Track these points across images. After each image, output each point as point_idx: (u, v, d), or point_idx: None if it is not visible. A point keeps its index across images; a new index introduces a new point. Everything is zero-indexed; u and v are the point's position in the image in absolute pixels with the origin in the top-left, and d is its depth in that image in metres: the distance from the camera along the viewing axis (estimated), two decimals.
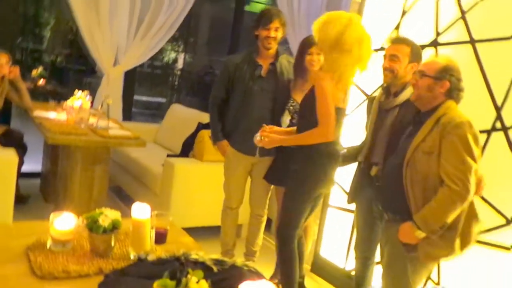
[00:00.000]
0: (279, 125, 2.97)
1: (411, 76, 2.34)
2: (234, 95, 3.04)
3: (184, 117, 4.70)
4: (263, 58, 3.00)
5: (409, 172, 2.08)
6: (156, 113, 7.30)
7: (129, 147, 3.93)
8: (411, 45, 2.44)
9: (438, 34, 2.89)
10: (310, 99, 2.47)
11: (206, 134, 3.78)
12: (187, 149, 4.01)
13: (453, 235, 2.04)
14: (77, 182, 3.44)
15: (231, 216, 3.22)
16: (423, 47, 2.74)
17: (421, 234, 2.04)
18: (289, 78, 3.04)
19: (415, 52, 2.43)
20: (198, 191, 3.74)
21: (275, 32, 2.89)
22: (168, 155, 3.95)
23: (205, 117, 4.23)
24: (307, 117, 2.49)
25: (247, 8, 6.37)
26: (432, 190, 2.02)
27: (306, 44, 2.88)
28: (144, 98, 7.47)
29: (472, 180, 1.98)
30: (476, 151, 1.99)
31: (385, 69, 2.45)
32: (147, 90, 7.68)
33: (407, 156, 2.09)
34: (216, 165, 3.77)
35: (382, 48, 2.58)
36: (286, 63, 3.05)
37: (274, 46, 2.94)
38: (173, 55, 8.06)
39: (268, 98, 2.99)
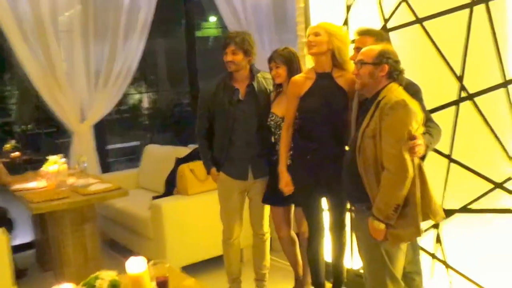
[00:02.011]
0: (269, 145, 2.98)
1: None
2: (217, 123, 3.03)
3: (160, 155, 4.66)
4: (238, 81, 2.99)
5: (361, 159, 2.12)
6: (132, 158, 7.22)
7: (113, 199, 3.86)
8: (375, 34, 2.48)
9: (385, 20, 2.95)
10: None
11: (185, 168, 3.77)
12: (171, 186, 3.98)
13: (411, 211, 2.07)
14: (70, 245, 3.38)
15: (233, 246, 3.17)
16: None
17: (381, 225, 2.08)
18: (269, 92, 3.02)
19: (380, 40, 2.44)
20: (191, 226, 3.69)
21: (232, 55, 2.89)
22: (154, 197, 3.91)
23: (181, 152, 4.22)
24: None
25: (199, 34, 6.38)
26: (382, 173, 2.07)
27: (268, 60, 2.91)
28: (118, 146, 7.38)
29: (408, 156, 2.03)
30: (414, 125, 2.03)
31: (355, 62, 2.46)
32: (119, 137, 7.60)
33: (357, 144, 2.14)
34: (202, 196, 3.78)
35: (352, 41, 2.61)
36: (263, 80, 3.03)
37: (235, 69, 2.93)
38: (137, 96, 8.01)
39: (252, 120, 2.98)
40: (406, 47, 2.79)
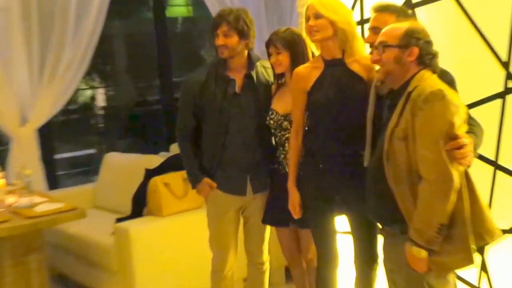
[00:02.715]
0: (271, 149, 3.04)
1: None
2: (207, 122, 3.06)
3: (125, 166, 4.66)
4: (233, 70, 3.02)
5: (390, 167, 2.14)
6: (87, 170, 7.12)
7: (66, 222, 3.83)
8: (396, 11, 2.49)
9: None
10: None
11: (158, 181, 3.78)
12: (139, 206, 3.98)
13: (458, 231, 2.07)
14: (11, 283, 3.34)
15: (226, 280, 3.16)
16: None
17: (422, 252, 2.07)
18: (270, 85, 3.08)
19: (404, 18, 2.42)
20: (167, 255, 3.69)
21: (224, 38, 2.92)
22: (117, 219, 3.90)
23: (151, 161, 4.24)
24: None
25: (168, 14, 6.35)
26: (419, 184, 2.09)
27: (266, 45, 2.96)
28: (68, 155, 7.26)
29: (450, 160, 2.04)
30: (457, 121, 2.05)
31: (370, 45, 2.48)
32: (68, 144, 7.49)
33: (385, 148, 2.15)
34: (181, 217, 3.77)
35: (366, 21, 2.65)
36: (263, 70, 3.08)
37: (229, 55, 2.96)
38: (89, 92, 7.91)
39: (251, 118, 3.02)
40: (436, 28, 2.79)
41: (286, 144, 2.93)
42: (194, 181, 3.11)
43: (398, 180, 2.12)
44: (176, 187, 3.76)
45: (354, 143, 2.62)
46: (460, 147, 2.05)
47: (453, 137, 2.04)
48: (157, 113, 6.57)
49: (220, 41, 2.92)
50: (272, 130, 2.99)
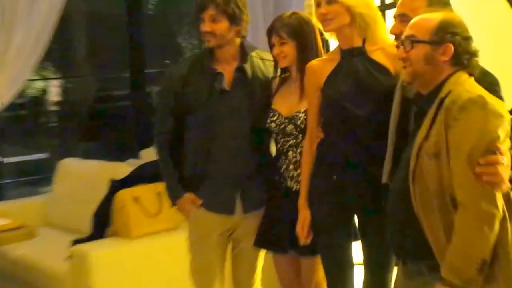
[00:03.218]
0: (268, 160, 3.04)
1: None
2: (189, 126, 3.06)
3: (84, 175, 4.62)
4: (222, 62, 3.03)
5: (418, 190, 2.12)
6: (38, 179, 7.03)
7: (12, 244, 3.78)
8: None
9: None
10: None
11: (127, 195, 3.76)
12: (102, 225, 3.94)
13: (502, 269, 2.05)
14: None
15: None
16: None
17: None
18: (270, 80, 3.09)
19: (435, 5, 2.39)
20: (136, 285, 3.65)
21: (211, 24, 2.91)
22: (75, 241, 3.84)
23: (118, 170, 4.21)
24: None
25: None
26: (453, 212, 2.06)
27: (268, 33, 2.95)
28: (14, 159, 7.16)
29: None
30: (501, 135, 2.01)
31: (395, 37, 2.48)
32: (14, 146, 7.39)
33: (411, 166, 2.13)
34: (154, 240, 3.74)
35: (388, 6, 2.60)
36: (260, 62, 3.08)
37: (217, 44, 2.96)
38: (40, 84, 7.82)
39: (243, 121, 3.01)
40: (475, 18, 2.75)
41: (290, 152, 2.92)
42: (174, 196, 3.11)
43: (427, 207, 2.09)
44: (149, 203, 3.75)
45: (379, 151, 2.54)
46: (493, 164, 2.00)
47: (493, 151, 2.00)
48: (126, 111, 6.55)
49: (206, 27, 2.91)
50: (274, 135, 2.99)
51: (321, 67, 2.72)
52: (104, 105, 7.76)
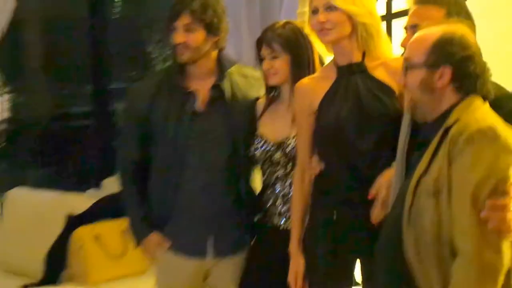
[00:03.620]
0: (250, 195, 3.05)
1: None
2: (156, 154, 3.04)
3: (36, 209, 4.52)
4: (195, 79, 3.01)
5: (412, 233, 2.12)
6: None
7: None
8: (447, 4, 2.44)
9: None
10: None
11: (86, 234, 3.80)
12: (56, 268, 3.94)
13: None
14: None
15: None
16: None
17: None
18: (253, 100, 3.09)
19: (456, 16, 2.39)
20: None
21: (186, 34, 2.88)
22: (24, 287, 3.91)
23: (76, 202, 4.23)
24: None
25: None
26: (453, 262, 2.06)
27: (257, 44, 2.95)
28: None
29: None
30: (511, 176, 2.01)
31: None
32: None
33: (407, 204, 2.14)
34: (119, 285, 3.76)
35: (394, 15, 2.72)
36: (240, 80, 3.07)
37: (191, 58, 2.94)
38: None
39: (219, 149, 3.00)
40: (501, 28, 2.85)
41: (278, 185, 2.90)
42: (138, 235, 3.09)
43: (422, 253, 2.09)
44: (112, 242, 3.78)
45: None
46: (502, 208, 1.99)
47: (502, 193, 1.99)
48: (87, 132, 6.49)
49: (179, 37, 2.89)
50: (260, 166, 2.98)
51: (313, 87, 2.69)
52: (61, 124, 7.69)
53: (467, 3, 2.67)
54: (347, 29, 2.59)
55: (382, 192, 2.51)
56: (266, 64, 2.87)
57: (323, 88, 2.66)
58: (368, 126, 2.58)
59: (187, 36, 2.88)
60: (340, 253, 2.66)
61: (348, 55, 2.64)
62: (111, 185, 4.27)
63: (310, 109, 2.68)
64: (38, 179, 6.87)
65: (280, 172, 2.88)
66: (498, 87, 2.28)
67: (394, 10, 3.28)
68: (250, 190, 3.06)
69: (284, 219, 2.86)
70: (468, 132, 2.01)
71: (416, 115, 2.25)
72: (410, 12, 2.52)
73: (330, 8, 2.56)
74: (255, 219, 2.99)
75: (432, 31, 2.15)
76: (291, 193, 2.83)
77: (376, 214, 2.53)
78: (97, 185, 4.70)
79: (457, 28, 2.15)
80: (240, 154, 2.99)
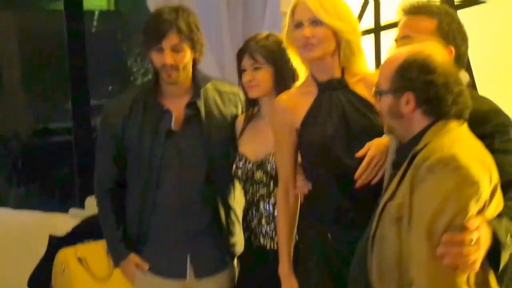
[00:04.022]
0: (228, 214, 3.03)
1: None
2: (132, 174, 3.03)
3: (17, 230, 4.57)
4: (170, 96, 2.98)
5: (375, 257, 2.12)
6: None
7: None
8: (439, 15, 2.40)
9: None
10: None
11: (70, 255, 3.69)
12: None
13: None
14: None
15: None
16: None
17: None
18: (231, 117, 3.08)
19: (446, 28, 2.38)
20: None
21: (174, 54, 2.85)
22: None
23: (58, 222, 4.23)
24: None
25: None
26: None
27: (238, 55, 2.92)
28: None
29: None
30: (472, 208, 1.95)
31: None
32: None
33: (371, 229, 2.14)
34: None
35: (383, 27, 2.73)
36: (216, 96, 3.04)
37: (180, 79, 2.91)
38: None
39: (194, 169, 2.99)
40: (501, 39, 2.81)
41: (261, 204, 2.87)
42: (116, 257, 3.09)
43: (384, 279, 2.07)
44: (97, 264, 3.68)
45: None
46: (459, 243, 1.93)
47: (461, 228, 1.93)
48: (67, 148, 6.40)
49: (169, 59, 2.84)
50: (241, 184, 2.97)
51: (293, 103, 2.65)
52: (41, 140, 7.64)
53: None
54: (332, 45, 2.56)
55: (372, 151, 2.46)
56: (247, 76, 2.84)
57: (304, 105, 2.64)
58: (355, 142, 2.54)
59: (175, 57, 2.85)
60: (336, 275, 2.59)
61: (329, 71, 2.61)
62: (94, 203, 4.23)
63: (291, 126, 2.65)
64: (17, 199, 6.85)
65: (262, 191, 2.86)
66: (487, 102, 2.28)
67: (383, 22, 3.27)
68: (229, 209, 3.04)
69: (271, 240, 2.84)
70: (430, 160, 1.98)
71: (395, 138, 2.25)
72: (400, 24, 2.49)
73: (316, 22, 2.52)
74: (244, 237, 2.95)
75: (397, 55, 2.13)
76: (275, 212, 2.81)
77: (359, 172, 2.45)
78: (79, 203, 4.66)
79: (423, 48, 2.12)
80: (217, 173, 2.97)
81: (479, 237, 1.94)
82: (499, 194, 2.03)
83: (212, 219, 3.02)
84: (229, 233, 3.02)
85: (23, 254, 4.20)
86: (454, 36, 2.40)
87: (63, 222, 4.10)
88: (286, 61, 2.81)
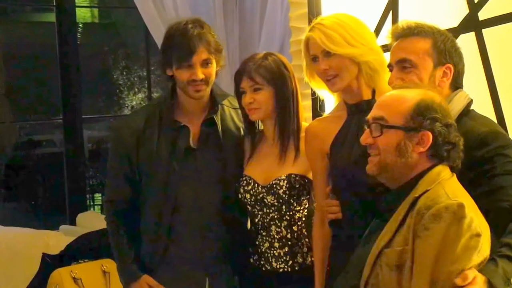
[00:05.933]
0: (244, 237, 2.96)
1: (445, 89, 2.39)
2: (147, 193, 2.97)
3: (7, 249, 4.46)
4: (188, 113, 2.95)
5: None
6: None
7: None
8: (432, 35, 2.41)
9: (475, 5, 2.91)
10: None
11: (64, 274, 3.70)
12: None
13: None
14: None
15: None
16: (454, 33, 2.73)
17: None
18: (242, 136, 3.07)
19: (442, 46, 2.38)
20: None
21: (206, 69, 2.82)
22: None
23: (50, 240, 4.20)
24: None
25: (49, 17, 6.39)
26: None
27: (236, 77, 2.87)
28: None
29: None
30: (475, 259, 1.96)
31: (393, 87, 2.41)
32: None
33: (364, 275, 2.12)
34: None
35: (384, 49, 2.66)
36: (232, 113, 3.03)
37: (207, 92, 2.89)
38: None
39: (213, 188, 2.95)
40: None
41: (273, 228, 2.83)
42: (127, 278, 3.00)
43: None
44: (92, 285, 3.71)
45: None
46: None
47: (463, 278, 1.93)
48: (57, 162, 6.38)
49: (199, 74, 2.79)
50: (249, 208, 2.89)
51: (323, 128, 2.66)
52: (29, 153, 7.59)
53: None
54: (353, 70, 2.54)
55: None
56: (247, 98, 2.80)
57: (334, 129, 2.64)
58: None
59: (204, 70, 2.82)
60: None
61: (357, 94, 2.60)
62: (85, 220, 4.23)
63: (322, 152, 2.65)
64: (6, 215, 6.79)
65: (274, 215, 2.81)
66: (487, 122, 2.29)
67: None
68: (245, 232, 2.98)
69: (284, 264, 2.79)
70: (436, 208, 1.97)
71: (382, 178, 2.19)
72: (393, 48, 2.48)
73: (329, 54, 2.52)
74: (250, 260, 2.91)
75: (411, 93, 2.12)
76: (289, 236, 2.79)
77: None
78: (70, 220, 4.60)
79: (434, 94, 2.14)
80: (233, 194, 2.92)
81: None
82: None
83: (229, 242, 2.99)
84: (243, 256, 2.96)
85: (14, 272, 4.16)
86: (450, 54, 2.41)
87: (55, 240, 4.07)
88: (287, 80, 2.82)
